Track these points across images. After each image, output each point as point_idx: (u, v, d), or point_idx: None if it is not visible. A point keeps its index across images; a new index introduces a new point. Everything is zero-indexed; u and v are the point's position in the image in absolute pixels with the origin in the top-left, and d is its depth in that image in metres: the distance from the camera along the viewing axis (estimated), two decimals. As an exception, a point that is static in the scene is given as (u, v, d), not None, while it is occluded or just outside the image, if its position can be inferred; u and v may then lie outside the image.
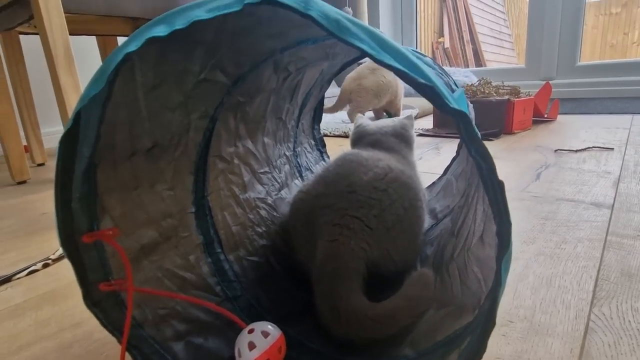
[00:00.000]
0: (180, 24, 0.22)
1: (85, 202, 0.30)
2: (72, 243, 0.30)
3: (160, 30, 0.22)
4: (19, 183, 1.16)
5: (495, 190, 0.20)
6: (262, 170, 0.58)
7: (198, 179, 0.45)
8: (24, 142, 1.48)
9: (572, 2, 2.21)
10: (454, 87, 0.44)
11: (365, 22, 2.45)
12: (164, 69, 0.31)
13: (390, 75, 1.73)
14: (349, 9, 2.41)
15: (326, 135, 1.63)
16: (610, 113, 1.67)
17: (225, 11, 0.22)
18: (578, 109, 1.81)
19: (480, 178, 0.21)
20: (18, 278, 0.57)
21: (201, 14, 0.22)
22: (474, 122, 0.43)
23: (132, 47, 0.23)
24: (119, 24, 1.40)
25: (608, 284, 0.45)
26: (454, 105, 0.19)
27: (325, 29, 0.20)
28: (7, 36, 1.28)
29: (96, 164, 0.30)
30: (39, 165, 1.42)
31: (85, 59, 1.87)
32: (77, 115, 0.26)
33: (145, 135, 0.34)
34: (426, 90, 0.20)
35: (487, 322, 0.21)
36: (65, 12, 0.90)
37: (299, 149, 0.73)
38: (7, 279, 0.56)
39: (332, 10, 0.20)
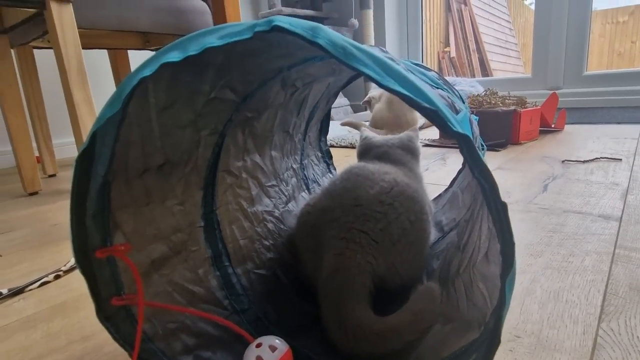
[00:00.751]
0: (193, 50, 0.23)
1: (99, 218, 0.31)
2: (86, 258, 0.31)
3: (174, 56, 0.23)
4: (31, 194, 1.18)
5: (498, 211, 0.20)
6: (269, 184, 0.59)
7: (207, 193, 0.46)
8: (36, 154, 1.51)
9: (578, 11, 2.22)
10: (458, 103, 0.44)
11: (371, 33, 2.46)
12: (176, 90, 0.33)
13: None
14: (355, 21, 2.44)
15: (332, 146, 1.64)
16: (619, 123, 1.67)
17: (236, 38, 0.22)
18: (585, 119, 1.81)
19: (483, 198, 0.22)
20: (30, 290, 0.58)
21: (213, 41, 0.23)
22: (478, 137, 0.43)
23: (147, 72, 0.24)
24: (130, 38, 1.43)
25: (616, 298, 0.45)
26: (457, 128, 0.20)
27: (332, 55, 0.21)
28: (22, 50, 1.32)
29: (110, 182, 0.31)
30: (50, 176, 1.44)
31: (96, 71, 1.91)
32: (93, 135, 0.27)
33: (156, 153, 0.35)
34: (430, 113, 0.20)
35: (492, 339, 0.21)
36: (78, 28, 0.92)
37: (306, 161, 0.74)
38: (20, 291, 0.58)
39: (338, 37, 0.21)
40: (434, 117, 0.20)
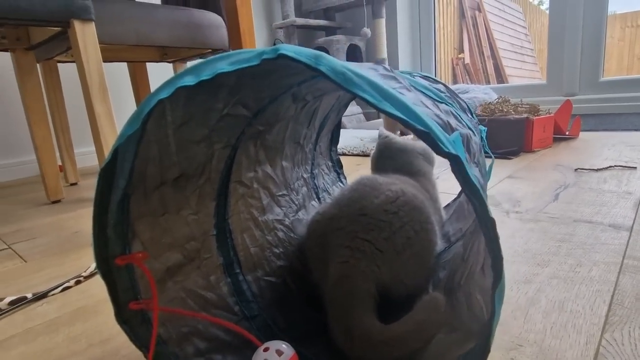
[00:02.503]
0: (206, 75, 0.25)
1: (119, 228, 0.34)
2: (107, 265, 0.33)
3: (189, 80, 0.26)
4: (54, 202, 1.23)
5: (487, 227, 0.21)
6: (280, 193, 0.61)
7: (220, 203, 0.48)
8: (59, 162, 1.57)
9: (593, 16, 2.19)
10: (461, 117, 0.45)
11: (383, 42, 2.47)
12: (191, 109, 0.35)
13: None
14: (367, 30, 2.46)
15: (344, 154, 1.66)
16: (636, 129, 1.64)
17: (245, 65, 0.25)
18: (602, 126, 1.79)
19: (475, 215, 0.23)
20: (53, 294, 0.61)
21: (225, 67, 0.25)
22: (478, 152, 0.44)
23: (164, 94, 0.26)
24: (149, 52, 1.48)
25: (622, 309, 0.45)
26: (448, 149, 0.21)
27: (333, 81, 0.23)
28: (47, 65, 1.38)
29: (130, 194, 0.33)
30: (72, 184, 1.49)
31: (116, 84, 1.98)
32: (115, 151, 0.30)
33: (173, 167, 0.38)
34: (423, 135, 0.22)
35: (482, 349, 0.23)
36: (100, 43, 0.97)
37: (317, 170, 0.76)
38: (43, 295, 0.61)
39: (338, 64, 0.23)
40: (427, 138, 0.22)
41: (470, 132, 0.39)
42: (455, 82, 4.91)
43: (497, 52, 4.97)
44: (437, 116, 0.29)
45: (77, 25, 0.83)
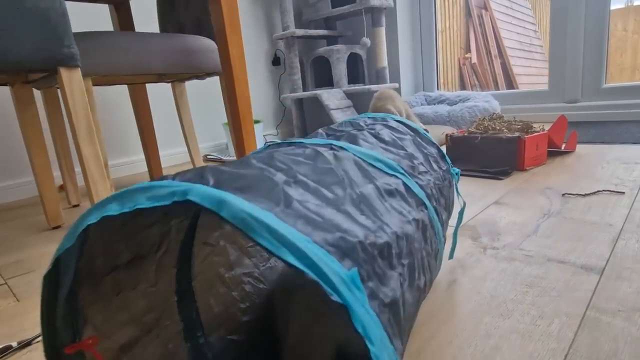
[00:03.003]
0: (127, 207, 0.27)
1: (68, 319, 0.36)
2: (55, 354, 0.36)
3: (114, 209, 0.28)
4: (54, 228, 1.27)
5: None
6: (250, 244, 0.63)
7: (182, 268, 0.51)
8: (61, 182, 1.62)
9: (595, 24, 2.16)
10: (410, 189, 0.46)
11: (383, 50, 2.46)
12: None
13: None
14: (367, 40, 2.46)
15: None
16: (635, 142, 1.61)
17: (158, 203, 0.27)
18: (602, 136, 1.76)
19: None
20: (37, 342, 0.65)
21: (143, 202, 0.27)
22: (433, 207, 0.45)
23: (93, 220, 0.29)
24: (146, 76, 1.51)
25: (570, 373, 0.46)
26: (339, 297, 0.23)
27: (233, 226, 0.24)
28: (47, 92, 1.42)
29: (76, 290, 0.36)
30: (74, 206, 1.54)
31: (118, 103, 2.02)
32: (57, 260, 0.32)
33: (124, 253, 0.40)
34: (314, 284, 0.24)
35: None
36: (96, 75, 1.00)
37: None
38: (28, 343, 0.64)
39: (239, 210, 0.25)
40: (318, 287, 0.23)
41: (407, 225, 0.40)
42: (462, 83, 4.87)
43: (505, 50, 4.91)
44: (342, 239, 0.30)
45: (64, 72, 0.87)
